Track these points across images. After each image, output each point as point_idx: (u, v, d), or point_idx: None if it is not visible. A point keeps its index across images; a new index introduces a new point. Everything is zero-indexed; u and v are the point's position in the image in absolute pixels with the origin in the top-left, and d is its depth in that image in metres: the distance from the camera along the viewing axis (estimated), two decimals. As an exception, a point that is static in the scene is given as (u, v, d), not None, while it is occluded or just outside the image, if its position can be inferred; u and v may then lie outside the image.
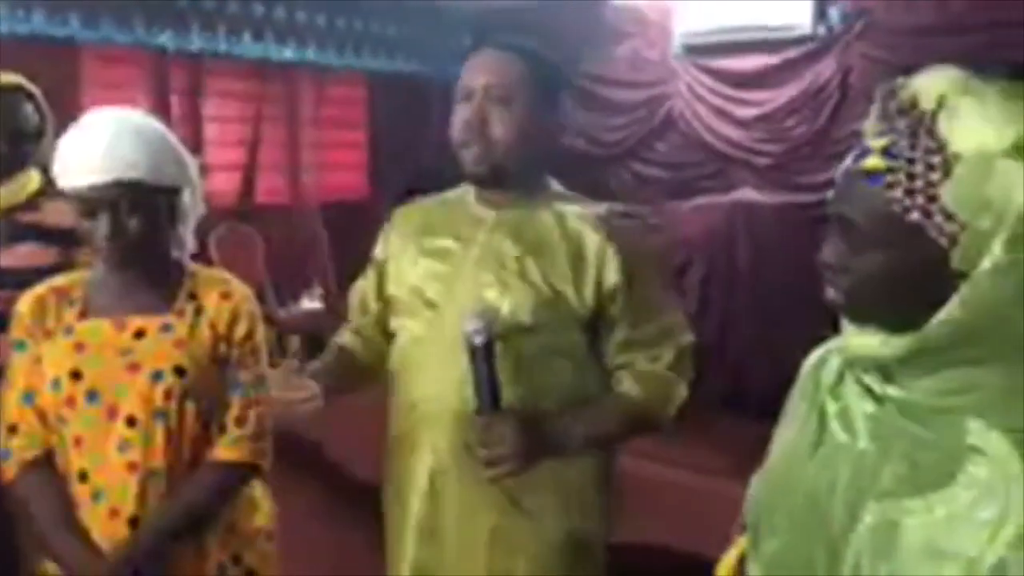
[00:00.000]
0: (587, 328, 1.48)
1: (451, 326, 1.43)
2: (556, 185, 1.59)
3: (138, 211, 1.38)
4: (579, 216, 1.50)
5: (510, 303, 1.43)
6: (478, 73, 1.45)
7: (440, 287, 1.50)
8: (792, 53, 4.63)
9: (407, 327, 1.56)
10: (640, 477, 3.45)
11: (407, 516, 1.54)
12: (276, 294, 4.95)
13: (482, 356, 1.33)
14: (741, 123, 4.88)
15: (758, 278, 4.24)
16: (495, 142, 1.44)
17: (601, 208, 1.53)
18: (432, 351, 1.50)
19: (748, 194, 4.72)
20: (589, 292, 1.45)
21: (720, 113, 4.96)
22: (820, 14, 4.52)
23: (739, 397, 4.12)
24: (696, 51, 5.00)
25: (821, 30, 4.54)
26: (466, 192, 1.58)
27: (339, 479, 3.47)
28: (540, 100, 1.46)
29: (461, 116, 1.46)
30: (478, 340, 1.33)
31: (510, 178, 1.48)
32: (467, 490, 1.47)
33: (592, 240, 1.46)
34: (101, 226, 1.37)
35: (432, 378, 1.49)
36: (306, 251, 5.32)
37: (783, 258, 4.11)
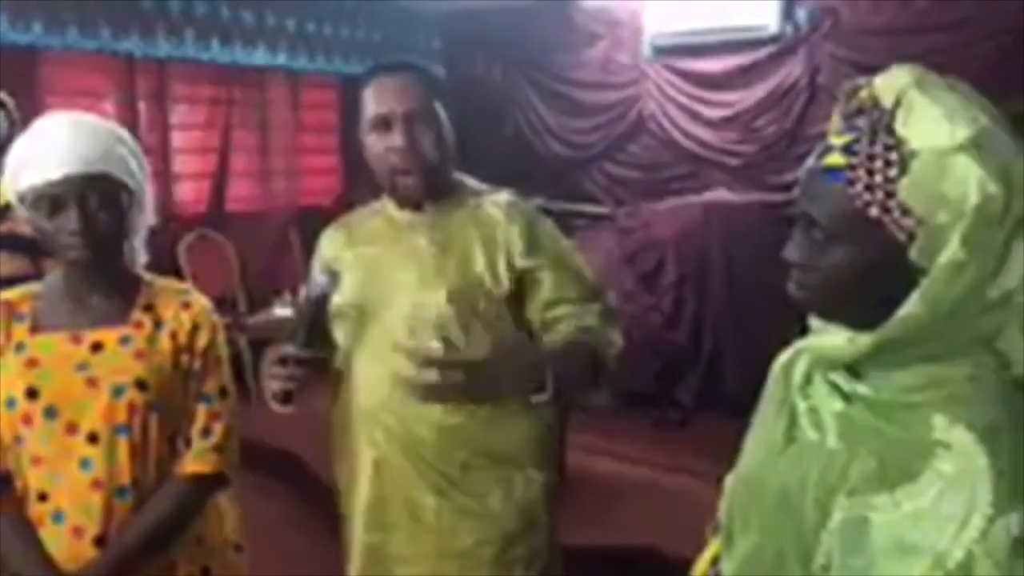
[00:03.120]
0: (510, 306, 1.57)
1: (379, 326, 1.55)
2: (469, 181, 1.67)
3: (106, 206, 1.34)
4: (488, 205, 1.61)
5: (433, 298, 1.52)
6: (395, 100, 1.51)
7: (369, 292, 1.58)
8: (760, 54, 4.68)
9: (343, 331, 1.62)
10: (612, 477, 3.47)
11: (356, 505, 1.62)
12: (248, 302, 4.91)
13: (313, 304, 1.51)
14: (712, 124, 4.91)
15: (732, 277, 4.27)
16: (430, 164, 1.53)
17: (504, 195, 1.64)
18: (364, 351, 1.58)
19: (721, 194, 4.75)
20: (503, 272, 1.55)
21: (691, 114, 4.99)
22: (787, 14, 4.57)
23: (714, 396, 4.14)
24: (666, 53, 5.03)
25: (788, 30, 4.59)
26: (386, 201, 1.66)
27: (314, 487, 3.45)
28: (442, 113, 1.56)
29: (389, 143, 1.51)
30: (316, 291, 1.51)
31: (445, 186, 1.59)
32: (409, 476, 1.55)
33: (499, 224, 1.57)
34: (70, 220, 1.32)
35: (364, 376, 1.57)
36: (278, 258, 5.28)
37: (756, 257, 4.13)
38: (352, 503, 1.64)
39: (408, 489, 1.55)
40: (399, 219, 1.61)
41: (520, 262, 1.55)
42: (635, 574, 2.85)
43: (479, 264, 1.54)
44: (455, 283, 1.53)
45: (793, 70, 4.58)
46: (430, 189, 1.55)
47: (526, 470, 1.59)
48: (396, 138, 1.50)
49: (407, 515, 1.56)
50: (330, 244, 1.69)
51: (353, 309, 1.59)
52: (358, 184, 5.31)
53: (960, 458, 0.76)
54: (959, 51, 3.79)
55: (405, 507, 1.56)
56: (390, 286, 1.56)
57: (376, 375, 1.55)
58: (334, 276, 1.53)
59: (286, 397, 1.47)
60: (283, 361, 1.46)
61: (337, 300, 1.62)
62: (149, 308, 1.45)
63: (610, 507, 3.15)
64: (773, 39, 4.62)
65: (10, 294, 1.45)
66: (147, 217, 1.48)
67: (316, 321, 1.50)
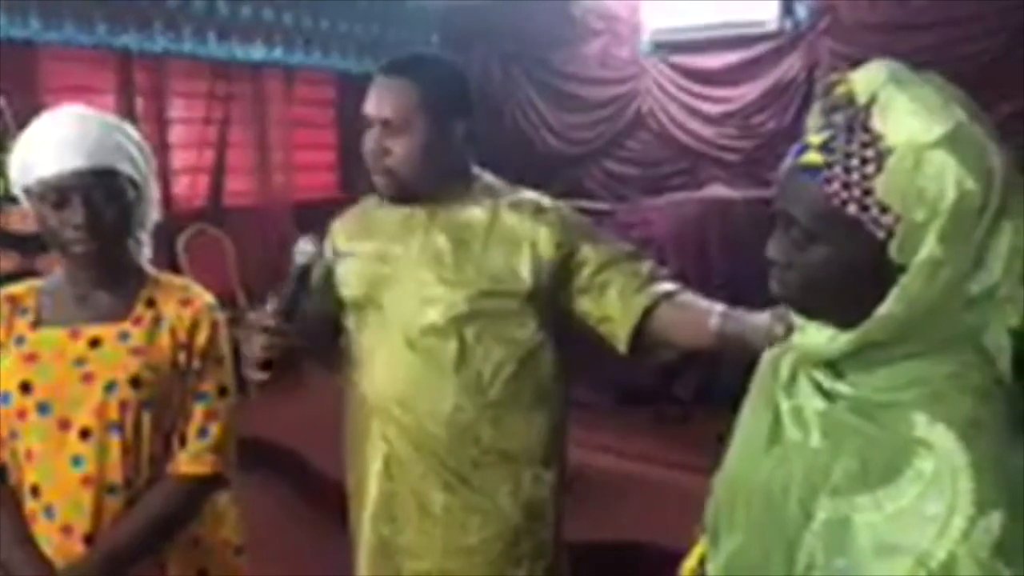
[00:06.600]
0: (534, 307, 1.56)
1: (394, 323, 1.56)
2: (488, 178, 1.67)
3: (112, 200, 1.34)
4: (508, 204, 1.60)
5: (450, 296, 1.52)
6: (377, 105, 1.54)
7: (383, 287, 1.58)
8: (759, 49, 4.67)
9: (355, 327, 1.63)
10: (611, 474, 3.47)
11: (366, 502, 1.63)
12: (246, 297, 4.90)
13: (297, 274, 1.48)
14: (710, 119, 4.91)
15: (731, 273, 4.26)
16: (395, 170, 1.53)
17: (528, 193, 1.65)
18: (378, 348, 1.59)
19: (719, 190, 4.74)
20: (526, 270, 1.54)
21: (689, 110, 4.99)
22: (786, 10, 4.57)
23: (713, 393, 4.14)
24: (665, 48, 5.03)
25: (788, 26, 4.58)
26: None
27: (316, 484, 3.45)
28: (436, 121, 1.53)
29: (366, 144, 1.56)
30: (300, 260, 1.48)
31: (421, 192, 1.57)
32: (419, 471, 1.57)
33: (522, 222, 1.57)
34: (75, 215, 1.31)
35: (378, 373, 1.58)
36: (277, 253, 5.27)
37: (755, 253, 4.08)
38: (361, 499, 1.64)
39: (418, 484, 1.57)
40: (415, 215, 1.60)
41: (554, 253, 1.55)
42: (634, 569, 2.86)
43: (498, 263, 1.54)
44: (473, 282, 1.53)
45: (792, 66, 4.58)
46: (397, 192, 1.56)
47: (535, 467, 1.60)
48: (369, 140, 1.55)
49: (416, 510, 1.58)
50: (343, 235, 1.69)
51: (367, 302, 1.59)
52: (355, 181, 5.31)
53: (941, 457, 0.75)
54: (957, 48, 3.79)
55: (414, 502, 1.58)
56: (406, 282, 1.56)
57: (389, 372, 1.56)
58: (319, 248, 1.52)
59: (265, 365, 1.45)
60: (264, 329, 1.45)
61: (350, 293, 1.63)
62: (151, 304, 1.44)
63: (609, 503, 3.16)
64: (772, 35, 4.62)
65: (15, 289, 1.44)
66: (153, 211, 1.47)
67: (299, 291, 1.49)
